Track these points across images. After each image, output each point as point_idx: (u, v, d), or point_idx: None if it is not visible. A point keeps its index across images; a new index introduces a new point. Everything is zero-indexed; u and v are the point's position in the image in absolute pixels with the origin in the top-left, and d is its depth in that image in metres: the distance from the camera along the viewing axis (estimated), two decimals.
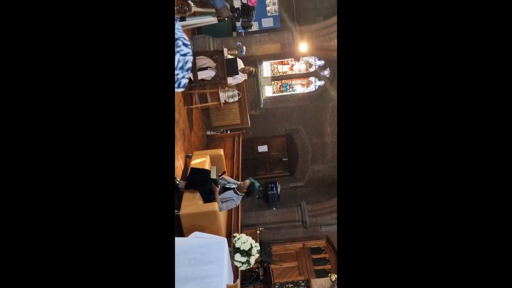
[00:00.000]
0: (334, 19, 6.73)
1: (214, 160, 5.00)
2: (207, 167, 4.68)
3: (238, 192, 4.37)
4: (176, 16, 3.23)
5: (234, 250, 3.90)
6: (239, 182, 4.54)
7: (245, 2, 3.23)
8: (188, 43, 1.43)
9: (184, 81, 1.44)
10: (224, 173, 5.02)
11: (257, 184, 4.36)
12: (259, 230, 6.68)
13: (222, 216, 4.41)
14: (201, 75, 5.58)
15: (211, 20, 3.75)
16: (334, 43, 6.64)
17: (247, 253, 3.78)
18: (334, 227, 7.52)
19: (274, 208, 8.33)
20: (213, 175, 4.33)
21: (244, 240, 3.85)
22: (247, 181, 4.36)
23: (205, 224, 4.13)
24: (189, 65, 1.44)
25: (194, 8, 3.65)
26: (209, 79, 5.68)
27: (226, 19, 2.99)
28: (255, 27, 7.29)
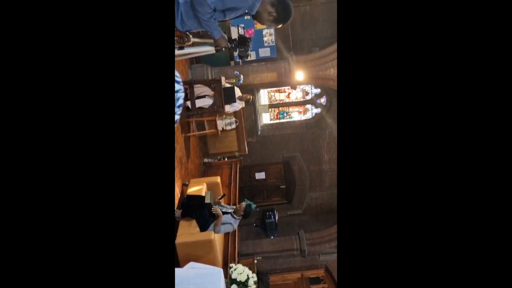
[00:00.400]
0: (330, 49, 6.91)
1: (211, 188, 4.97)
2: (203, 194, 4.65)
3: (235, 215, 4.34)
4: (175, 45, 3.30)
5: (230, 281, 3.80)
6: (235, 207, 4.52)
7: (242, 33, 3.31)
8: (180, 80, 1.45)
9: (176, 117, 1.46)
10: (224, 196, 4.99)
11: (253, 205, 4.37)
12: (256, 259, 6.55)
13: (218, 245, 4.33)
14: (199, 103, 5.65)
15: (209, 49, 3.85)
16: (330, 72, 6.79)
17: (243, 284, 3.69)
18: (333, 256, 7.38)
19: (272, 237, 8.20)
20: (208, 200, 4.32)
21: (240, 271, 3.76)
22: (243, 204, 4.36)
23: (201, 254, 4.05)
24: (181, 101, 1.46)
25: (193, 39, 3.74)
26: (207, 107, 5.75)
27: (223, 49, 3.06)
28: (252, 56, 7.46)
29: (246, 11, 2.36)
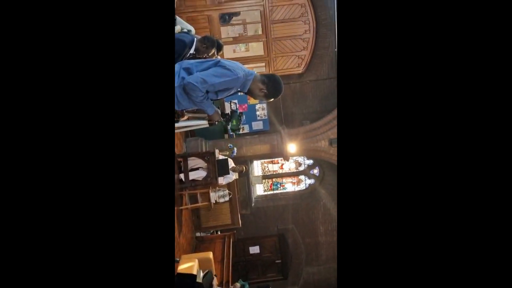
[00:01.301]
0: (320, 123, 7.18)
1: (203, 265, 4.74)
2: (195, 272, 4.41)
3: None
4: None
5: None
6: None
7: (235, 108, 3.48)
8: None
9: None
10: (215, 276, 4.73)
11: (247, 286, 4.18)
12: None
13: None
14: (193, 175, 5.66)
15: (203, 123, 3.99)
16: (321, 144, 6.97)
17: None
18: None
19: None
20: (199, 279, 4.10)
21: None
22: (238, 284, 4.16)
23: None
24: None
25: (187, 114, 3.89)
26: (200, 179, 5.74)
27: (216, 122, 3.19)
28: (246, 129, 7.69)
29: (239, 89, 2.48)
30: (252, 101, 7.59)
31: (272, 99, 2.57)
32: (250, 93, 2.51)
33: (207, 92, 2.36)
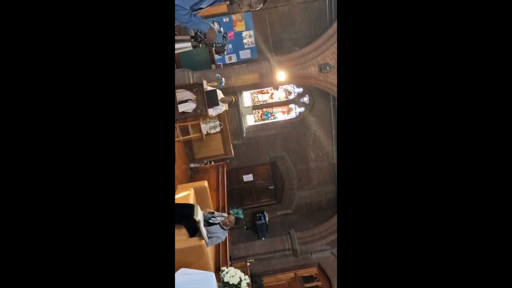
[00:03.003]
0: (309, 48, 6.96)
1: (198, 193, 4.92)
2: (191, 201, 4.59)
3: (223, 227, 4.30)
4: None
5: (222, 284, 3.76)
6: (224, 215, 4.47)
7: (218, 28, 3.30)
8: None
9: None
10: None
11: (241, 215, 4.37)
12: (249, 262, 6.51)
13: (209, 250, 4.28)
14: (182, 107, 5.60)
15: (187, 46, 3.78)
16: (311, 70, 6.83)
17: (236, 287, 3.65)
18: (325, 253, 7.40)
19: (263, 238, 8.18)
20: (196, 216, 4.17)
21: (232, 274, 3.73)
22: (232, 217, 4.35)
23: (192, 260, 4.00)
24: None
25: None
26: (190, 111, 5.70)
27: (200, 45, 2.95)
28: (233, 59, 7.45)
29: None
30: (238, 28, 7.23)
31: (262, 4, 2.28)
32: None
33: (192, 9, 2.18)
